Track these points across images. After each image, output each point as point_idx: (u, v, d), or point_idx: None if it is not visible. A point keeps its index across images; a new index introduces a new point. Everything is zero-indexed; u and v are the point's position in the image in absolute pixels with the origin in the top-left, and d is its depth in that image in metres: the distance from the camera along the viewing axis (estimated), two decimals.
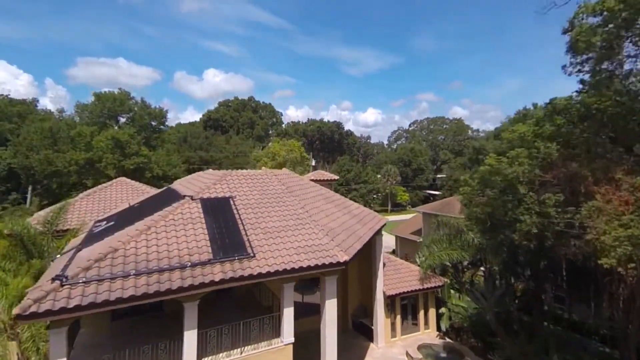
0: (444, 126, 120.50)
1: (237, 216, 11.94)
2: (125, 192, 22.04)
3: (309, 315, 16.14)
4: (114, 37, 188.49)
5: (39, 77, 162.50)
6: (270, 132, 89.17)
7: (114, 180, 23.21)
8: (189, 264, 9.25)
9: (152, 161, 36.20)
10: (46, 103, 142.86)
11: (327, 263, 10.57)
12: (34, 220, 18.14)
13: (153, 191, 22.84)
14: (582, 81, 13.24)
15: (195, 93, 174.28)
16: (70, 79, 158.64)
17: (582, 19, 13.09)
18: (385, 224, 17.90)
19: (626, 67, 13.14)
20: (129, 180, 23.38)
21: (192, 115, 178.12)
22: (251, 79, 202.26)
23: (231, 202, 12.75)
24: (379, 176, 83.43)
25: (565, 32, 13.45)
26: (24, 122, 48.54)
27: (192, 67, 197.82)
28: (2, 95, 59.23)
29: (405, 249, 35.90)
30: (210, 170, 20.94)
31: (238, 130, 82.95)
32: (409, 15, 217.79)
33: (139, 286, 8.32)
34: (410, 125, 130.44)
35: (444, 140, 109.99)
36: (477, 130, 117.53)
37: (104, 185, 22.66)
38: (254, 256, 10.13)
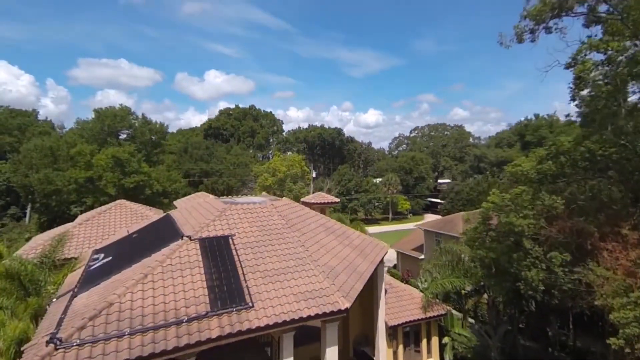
0: (445, 132, 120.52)
1: (236, 258, 11.73)
2: (125, 216, 21.87)
3: (309, 342, 15.78)
4: (116, 38, 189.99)
5: (40, 78, 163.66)
6: (271, 140, 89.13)
7: (113, 203, 23.03)
8: (185, 318, 9.03)
9: (152, 177, 36.03)
10: (47, 103, 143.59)
11: (327, 312, 10.34)
12: (32, 250, 17.99)
13: (152, 215, 22.70)
14: (585, 115, 13.05)
15: (197, 94, 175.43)
16: (72, 79, 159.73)
17: (585, 55, 12.93)
18: (387, 252, 17.70)
19: (631, 99, 12.99)
20: (128, 202, 23.20)
21: (194, 116, 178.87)
22: (252, 80, 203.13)
23: (230, 241, 12.54)
24: (378, 180, 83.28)
25: (568, 66, 13.27)
26: (24, 135, 48.58)
27: (194, 69, 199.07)
28: (2, 106, 59.47)
29: (407, 264, 35.63)
30: (212, 197, 20.77)
31: (239, 139, 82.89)
32: (410, 17, 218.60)
33: (134, 347, 8.11)
34: (411, 132, 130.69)
35: (445, 147, 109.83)
36: (479, 138, 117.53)
37: (103, 208, 22.51)
38: (253, 306, 9.91)
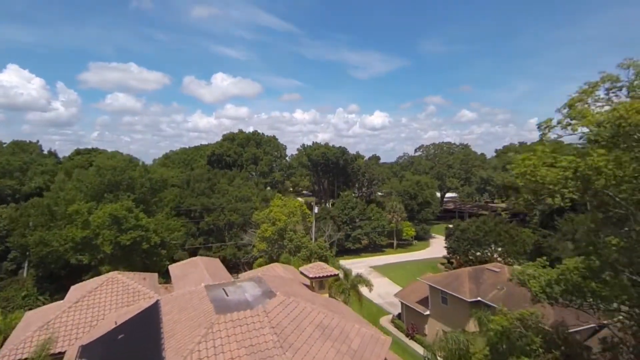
0: (451, 152, 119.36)
1: None
2: (116, 294, 21.20)
3: None
4: (125, 42, 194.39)
5: (50, 82, 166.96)
6: (274, 165, 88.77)
7: (105, 277, 22.39)
8: None
9: (150, 230, 35.51)
10: (58, 106, 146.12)
11: None
12: (20, 345, 17.47)
13: (144, 290, 22.05)
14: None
15: (204, 97, 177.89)
16: (82, 83, 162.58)
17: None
18: (388, 347, 16.68)
19: None
20: (120, 276, 22.48)
21: (201, 119, 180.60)
22: (259, 83, 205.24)
23: None
24: (380, 193, 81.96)
25: None
26: (25, 176, 48.54)
27: (201, 72, 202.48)
28: (5, 143, 59.85)
29: (412, 317, 34.38)
30: (205, 272, 20.02)
31: (242, 166, 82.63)
32: (416, 19, 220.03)
33: None
34: (415, 151, 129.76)
35: (451, 168, 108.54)
36: (485, 155, 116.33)
37: (94, 285, 21.80)
38: None
